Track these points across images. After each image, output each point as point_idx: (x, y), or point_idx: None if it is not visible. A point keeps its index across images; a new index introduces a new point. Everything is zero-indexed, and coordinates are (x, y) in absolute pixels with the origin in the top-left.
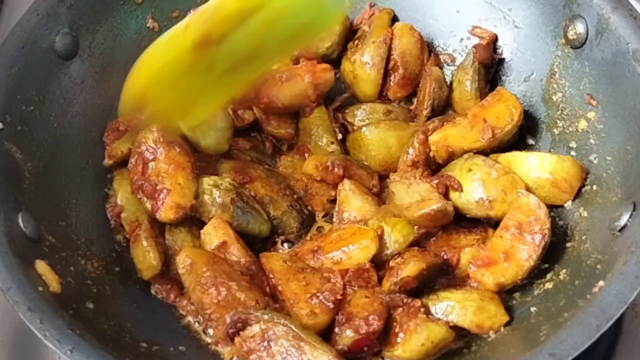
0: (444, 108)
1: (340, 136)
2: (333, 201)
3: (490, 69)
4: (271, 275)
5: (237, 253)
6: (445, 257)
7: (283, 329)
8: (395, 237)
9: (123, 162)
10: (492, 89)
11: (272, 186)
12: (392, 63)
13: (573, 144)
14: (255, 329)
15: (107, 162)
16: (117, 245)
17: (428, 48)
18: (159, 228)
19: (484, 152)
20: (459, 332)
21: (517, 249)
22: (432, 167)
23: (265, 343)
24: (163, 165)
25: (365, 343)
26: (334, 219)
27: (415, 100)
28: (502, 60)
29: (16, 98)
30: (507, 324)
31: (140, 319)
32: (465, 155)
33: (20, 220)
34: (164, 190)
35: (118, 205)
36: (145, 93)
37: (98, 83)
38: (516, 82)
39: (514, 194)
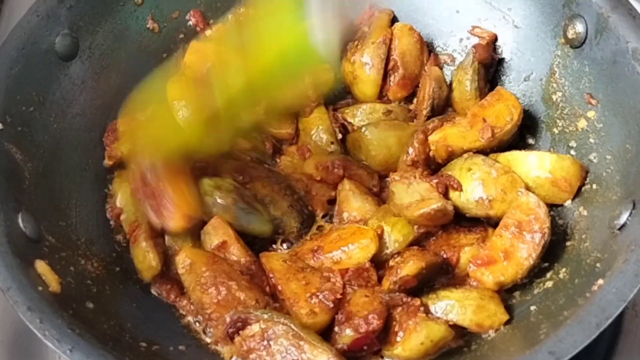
0: (443, 108)
1: (340, 136)
2: (333, 201)
3: (490, 69)
4: (271, 275)
5: (237, 253)
6: (445, 256)
7: (283, 328)
8: (395, 236)
9: (123, 163)
10: (491, 88)
11: (273, 186)
12: (391, 63)
13: (573, 143)
14: (255, 328)
15: (107, 162)
16: (117, 245)
17: (428, 48)
18: (158, 229)
19: (484, 151)
20: (459, 331)
21: (517, 248)
22: (432, 166)
23: (265, 342)
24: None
25: (365, 342)
26: (334, 219)
27: (415, 100)
28: (501, 60)
29: (16, 99)
30: (506, 323)
31: (140, 319)
32: (465, 155)
33: (20, 220)
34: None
35: (117, 207)
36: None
37: (98, 84)
38: (516, 82)
39: (514, 193)
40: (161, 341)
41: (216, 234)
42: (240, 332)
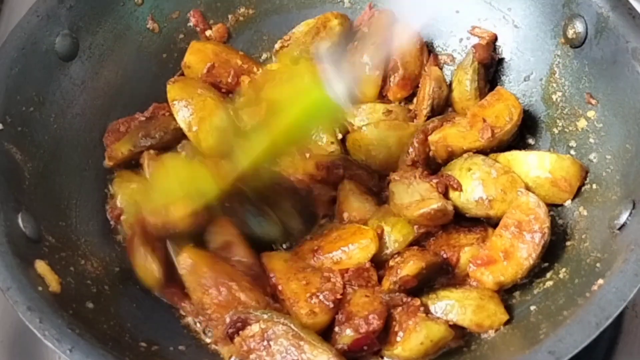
0: (443, 108)
1: (340, 136)
2: (333, 201)
3: (490, 69)
4: (272, 275)
5: (241, 253)
6: (444, 256)
7: (283, 328)
8: (395, 236)
9: (123, 164)
10: (491, 88)
11: (274, 187)
12: (391, 64)
13: (573, 143)
14: (254, 328)
15: (108, 163)
16: (117, 245)
17: (427, 48)
18: (154, 232)
19: (484, 151)
20: (459, 331)
21: (517, 248)
22: (432, 166)
23: (265, 342)
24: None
25: (365, 342)
26: (334, 219)
27: (415, 100)
28: (501, 60)
29: (16, 99)
30: (506, 323)
31: (140, 319)
32: (465, 155)
33: (20, 220)
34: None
35: (118, 207)
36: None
37: (98, 84)
38: (516, 82)
39: (514, 193)
40: (161, 341)
41: (221, 233)
42: (240, 332)
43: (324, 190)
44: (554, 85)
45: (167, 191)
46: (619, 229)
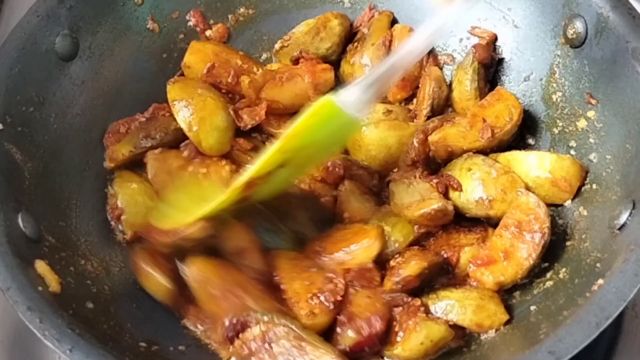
0: (443, 108)
1: None
2: (334, 201)
3: (490, 69)
4: (275, 274)
5: (255, 261)
6: (445, 256)
7: (284, 330)
8: (396, 236)
9: (124, 164)
10: (491, 88)
11: (290, 200)
12: None
13: (573, 143)
14: (255, 330)
15: (108, 165)
16: (117, 246)
17: None
18: (158, 244)
19: (484, 151)
20: (459, 331)
21: (517, 248)
22: (432, 166)
23: (267, 344)
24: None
25: (367, 344)
26: (335, 219)
27: (415, 100)
28: (501, 60)
29: (16, 99)
30: (506, 323)
31: (140, 319)
32: (465, 155)
33: (20, 220)
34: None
35: (118, 207)
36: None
37: (98, 84)
38: (516, 82)
39: (514, 193)
40: (161, 341)
41: (238, 239)
42: (240, 334)
43: (324, 190)
44: (554, 85)
45: (176, 207)
46: (619, 229)
